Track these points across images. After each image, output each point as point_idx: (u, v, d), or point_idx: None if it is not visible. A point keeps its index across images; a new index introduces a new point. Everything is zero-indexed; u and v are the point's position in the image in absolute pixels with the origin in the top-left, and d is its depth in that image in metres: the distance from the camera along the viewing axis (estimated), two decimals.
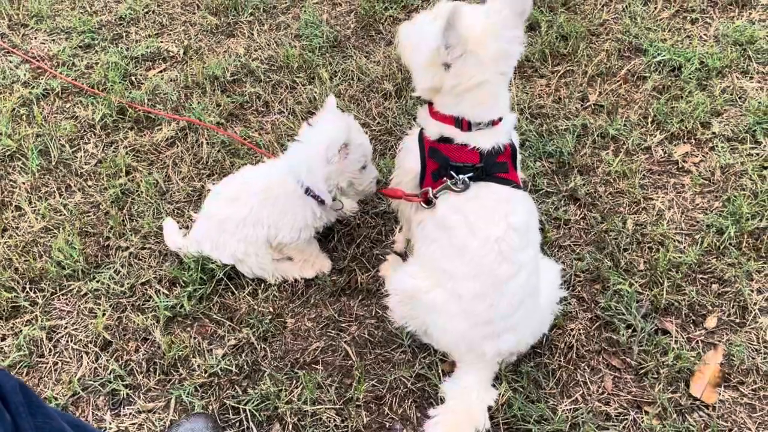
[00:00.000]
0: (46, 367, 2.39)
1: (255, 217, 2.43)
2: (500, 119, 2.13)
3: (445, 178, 2.15)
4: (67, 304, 2.56)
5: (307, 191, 2.39)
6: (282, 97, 3.24)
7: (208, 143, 3.04)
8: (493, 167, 2.12)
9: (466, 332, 2.15)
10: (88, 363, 2.40)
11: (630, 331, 2.41)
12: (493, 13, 2.00)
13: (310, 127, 2.39)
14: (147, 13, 3.71)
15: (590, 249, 2.65)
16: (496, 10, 1.99)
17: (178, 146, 3.07)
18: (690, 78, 3.22)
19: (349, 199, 2.67)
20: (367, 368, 2.37)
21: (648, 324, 2.41)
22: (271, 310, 2.52)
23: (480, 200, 2.12)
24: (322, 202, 2.43)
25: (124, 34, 3.61)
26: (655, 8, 3.57)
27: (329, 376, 2.35)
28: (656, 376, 2.30)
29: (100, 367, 2.39)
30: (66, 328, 2.49)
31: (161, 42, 3.55)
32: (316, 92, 3.23)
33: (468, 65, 2.02)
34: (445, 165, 2.16)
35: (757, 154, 2.92)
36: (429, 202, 2.19)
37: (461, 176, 2.12)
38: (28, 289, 2.59)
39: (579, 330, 2.43)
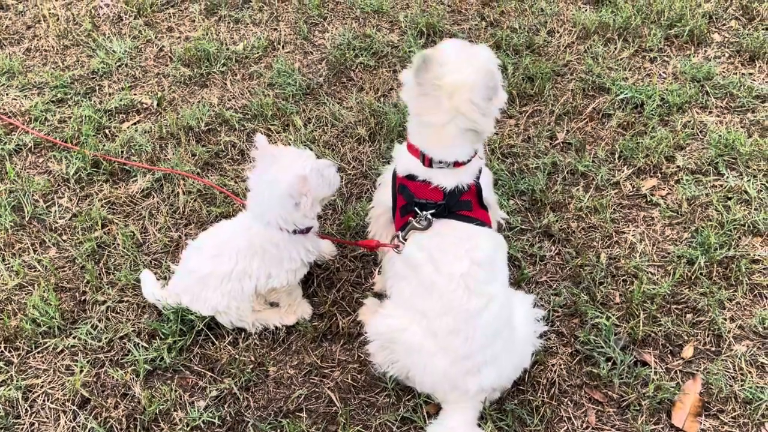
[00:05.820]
0: (22, 429, 2.33)
1: (242, 272, 2.42)
2: (463, 163, 2.20)
3: (409, 216, 2.23)
4: (43, 362, 2.51)
5: (295, 231, 2.41)
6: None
7: (184, 193, 3.04)
8: (456, 205, 2.19)
9: (446, 370, 2.16)
10: (65, 422, 2.34)
11: (610, 364, 2.44)
12: (472, 75, 2.07)
13: (259, 176, 2.35)
14: (119, 66, 3.74)
15: (567, 284, 2.70)
16: (474, 75, 2.07)
17: (154, 197, 3.07)
18: (652, 114, 3.34)
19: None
20: (351, 414, 2.36)
21: (627, 356, 2.44)
22: (253, 358, 2.50)
23: (442, 237, 2.19)
24: (309, 229, 2.45)
25: (96, 87, 3.63)
26: (615, 49, 3.71)
27: (314, 424, 2.33)
28: (638, 408, 2.33)
29: (79, 426, 2.33)
30: (42, 387, 2.44)
31: (134, 94, 3.57)
32: (291, 139, 3.27)
33: (429, 104, 2.11)
34: (410, 201, 2.23)
35: (721, 186, 3.02)
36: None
37: (424, 213, 2.19)
38: (2, 349, 2.53)
39: (560, 365, 2.46)
